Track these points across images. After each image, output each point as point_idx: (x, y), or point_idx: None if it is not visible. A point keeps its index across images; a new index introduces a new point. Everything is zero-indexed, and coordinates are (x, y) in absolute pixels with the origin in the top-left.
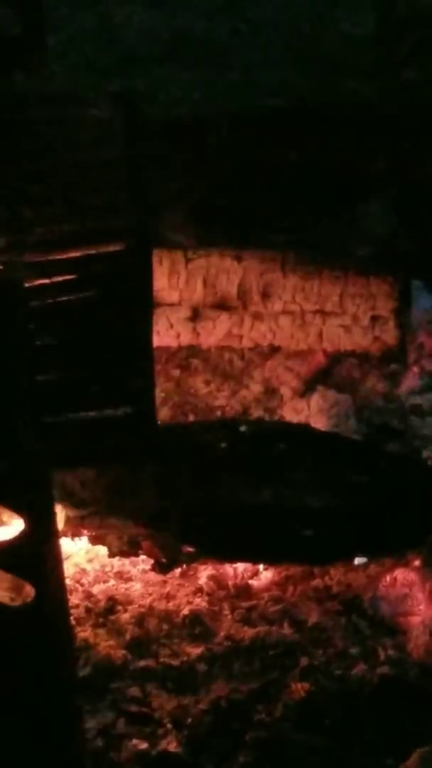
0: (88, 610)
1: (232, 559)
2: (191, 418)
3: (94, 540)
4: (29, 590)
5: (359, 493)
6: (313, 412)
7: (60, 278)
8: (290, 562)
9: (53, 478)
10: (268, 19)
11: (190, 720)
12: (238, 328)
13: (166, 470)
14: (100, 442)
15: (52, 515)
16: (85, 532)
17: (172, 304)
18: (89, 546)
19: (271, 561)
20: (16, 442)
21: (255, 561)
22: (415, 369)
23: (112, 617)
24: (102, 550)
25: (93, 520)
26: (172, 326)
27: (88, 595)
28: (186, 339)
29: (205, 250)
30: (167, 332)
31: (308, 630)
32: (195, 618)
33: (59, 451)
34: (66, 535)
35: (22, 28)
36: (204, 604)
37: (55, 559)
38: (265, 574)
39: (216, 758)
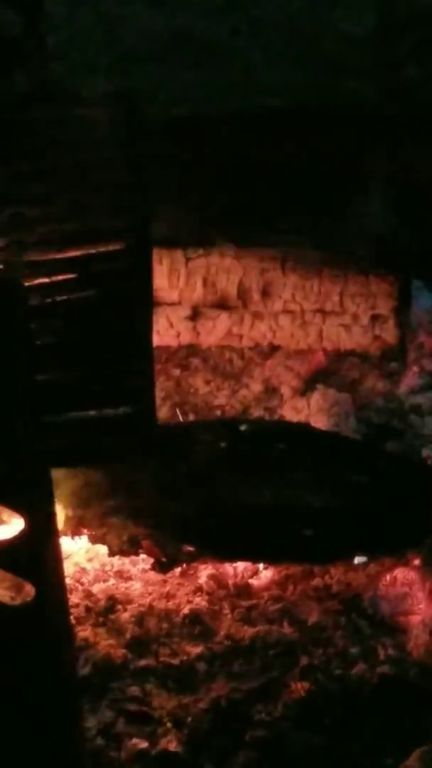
0: (88, 609)
1: (232, 558)
2: (191, 417)
3: (94, 539)
4: (29, 590)
5: (359, 493)
6: (313, 412)
7: (60, 277)
8: (290, 561)
9: (53, 477)
10: (268, 19)
11: (190, 719)
12: (238, 327)
13: (166, 470)
14: (100, 442)
15: (52, 515)
16: (85, 531)
17: (172, 304)
18: (89, 545)
19: (271, 560)
20: (15, 442)
21: (255, 560)
22: (415, 368)
23: (112, 616)
24: (102, 549)
25: (93, 519)
26: (172, 325)
27: (88, 594)
28: (186, 338)
29: (205, 249)
30: (167, 331)
31: (308, 629)
32: (195, 617)
33: (59, 450)
34: (66, 535)
35: (22, 28)
36: (204, 603)
37: (55, 559)
38: (265, 574)
39: (216, 758)
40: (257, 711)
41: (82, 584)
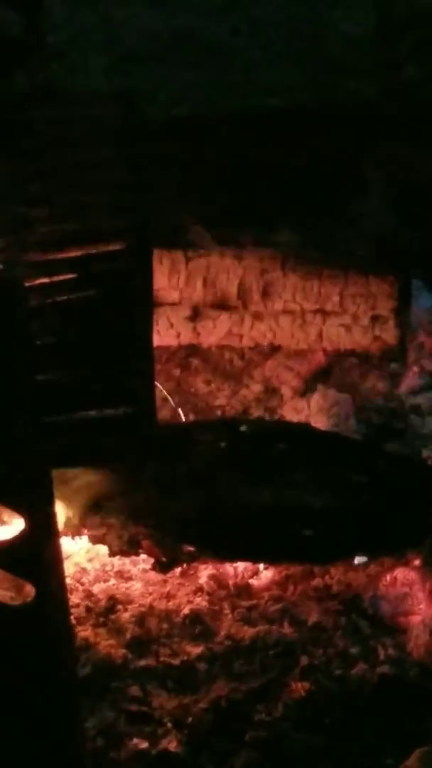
0: (88, 609)
1: (233, 558)
2: (191, 417)
3: (94, 539)
4: (29, 590)
5: (359, 493)
6: (313, 412)
7: (60, 277)
8: (290, 561)
9: (53, 477)
10: (268, 19)
11: (190, 719)
12: (239, 327)
13: (166, 470)
14: (100, 442)
15: (52, 515)
16: (86, 531)
17: (172, 304)
18: (89, 545)
19: (271, 560)
20: (15, 442)
21: (255, 560)
22: (415, 369)
23: (113, 616)
24: (102, 549)
25: (93, 519)
26: (172, 326)
27: (89, 595)
28: (186, 338)
29: (205, 249)
30: (167, 332)
31: (308, 629)
32: (195, 617)
33: (59, 450)
34: (66, 535)
35: (22, 28)
36: (204, 603)
37: (55, 559)
38: (266, 574)
39: (216, 758)
40: (257, 711)
41: (82, 584)
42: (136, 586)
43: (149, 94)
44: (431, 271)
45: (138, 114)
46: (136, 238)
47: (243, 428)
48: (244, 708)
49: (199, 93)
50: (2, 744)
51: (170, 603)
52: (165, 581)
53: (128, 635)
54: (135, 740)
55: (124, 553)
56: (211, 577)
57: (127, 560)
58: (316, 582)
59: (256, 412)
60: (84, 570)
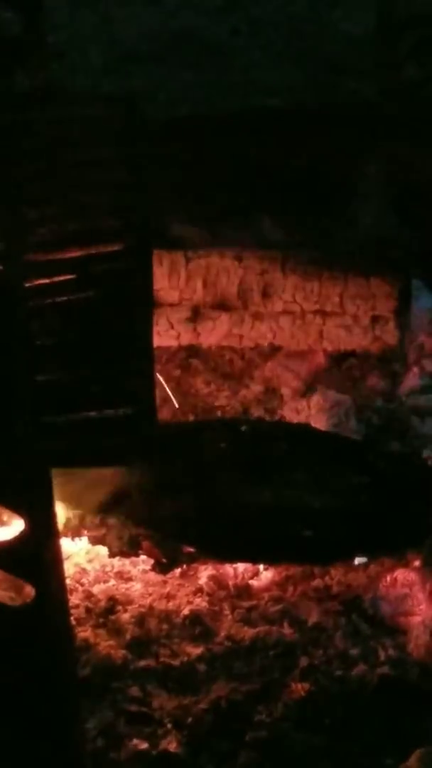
0: (88, 610)
1: (232, 559)
2: (191, 417)
3: (94, 540)
4: (29, 590)
5: (359, 494)
6: (313, 412)
7: (60, 278)
8: (290, 562)
9: (53, 478)
10: (268, 19)
11: (190, 720)
12: (239, 327)
13: (166, 470)
14: (100, 443)
15: (52, 515)
16: (85, 532)
17: (172, 304)
18: (89, 546)
19: (271, 561)
20: (15, 442)
21: (255, 561)
22: (415, 369)
23: (113, 617)
24: (102, 550)
25: (93, 520)
26: (172, 326)
27: (89, 595)
28: (186, 339)
29: (205, 250)
30: (167, 332)
31: (308, 630)
32: (195, 618)
33: (59, 451)
34: (66, 535)
35: (22, 28)
36: (204, 604)
37: (55, 559)
38: (266, 574)
39: (216, 758)
40: (257, 712)
41: (82, 585)
42: (136, 587)
43: (149, 94)
44: (431, 271)
45: (138, 114)
46: (136, 238)
47: (243, 429)
48: (244, 708)
49: (199, 93)
50: (2, 744)
51: (170, 604)
52: (165, 582)
53: (128, 636)
54: (135, 741)
55: (123, 553)
56: (211, 577)
57: (127, 561)
58: (316, 583)
59: (256, 413)
60: (84, 571)
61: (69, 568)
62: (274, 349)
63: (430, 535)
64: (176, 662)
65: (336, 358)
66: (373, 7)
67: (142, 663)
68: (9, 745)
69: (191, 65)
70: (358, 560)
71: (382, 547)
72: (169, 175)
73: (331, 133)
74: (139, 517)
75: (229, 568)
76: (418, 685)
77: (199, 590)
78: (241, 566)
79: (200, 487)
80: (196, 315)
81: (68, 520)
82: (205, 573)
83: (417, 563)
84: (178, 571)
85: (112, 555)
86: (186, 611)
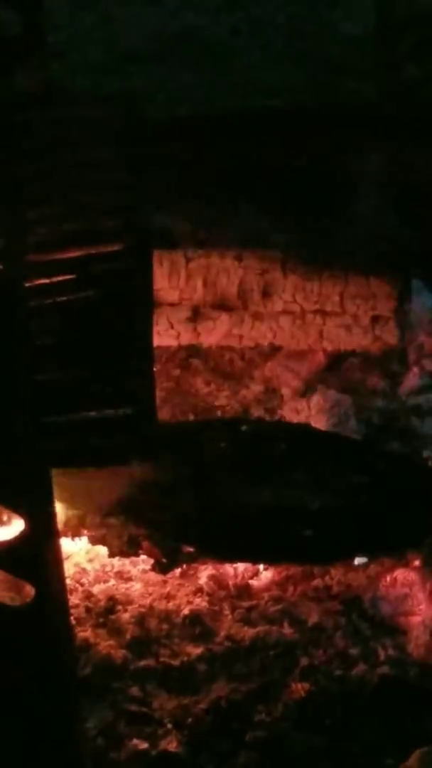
0: (88, 609)
1: (232, 559)
2: (191, 417)
3: (94, 540)
4: (29, 590)
5: (359, 494)
6: (313, 412)
7: (60, 278)
8: (290, 562)
9: (53, 478)
10: (268, 19)
11: (190, 720)
12: (239, 327)
13: (166, 470)
14: (100, 442)
15: (52, 515)
16: (85, 532)
17: (172, 304)
18: (89, 546)
19: (271, 561)
20: (15, 442)
21: (255, 561)
22: (415, 369)
23: (113, 617)
24: (102, 550)
25: (93, 520)
26: (172, 326)
27: (89, 595)
28: (186, 339)
29: (205, 250)
30: (167, 332)
31: (308, 630)
32: (195, 618)
33: (59, 450)
34: (66, 535)
35: (22, 28)
36: (204, 604)
37: (55, 559)
38: (266, 574)
39: (216, 758)
40: (257, 712)
41: (82, 585)
42: (135, 587)
43: (149, 94)
44: (431, 271)
45: (138, 114)
46: (136, 238)
47: (243, 428)
48: (244, 708)
49: (199, 93)
50: (2, 744)
51: (170, 603)
52: (165, 582)
53: (128, 636)
54: (135, 741)
55: (123, 553)
56: (211, 577)
57: (126, 561)
58: (316, 582)
59: (256, 413)
60: (84, 570)
61: (69, 568)
62: (274, 349)
63: (430, 535)
64: (176, 662)
65: (336, 358)
66: (373, 7)
67: (142, 663)
68: (9, 745)
69: (191, 65)
70: (358, 560)
71: (382, 547)
72: (169, 175)
73: (331, 133)
74: (139, 517)
75: (229, 568)
76: (418, 685)
77: (199, 590)
78: (241, 566)
79: (200, 487)
80: (196, 315)
81: (68, 520)
82: (205, 573)
83: (417, 563)
84: (178, 571)
85: (112, 555)
86: (186, 611)
